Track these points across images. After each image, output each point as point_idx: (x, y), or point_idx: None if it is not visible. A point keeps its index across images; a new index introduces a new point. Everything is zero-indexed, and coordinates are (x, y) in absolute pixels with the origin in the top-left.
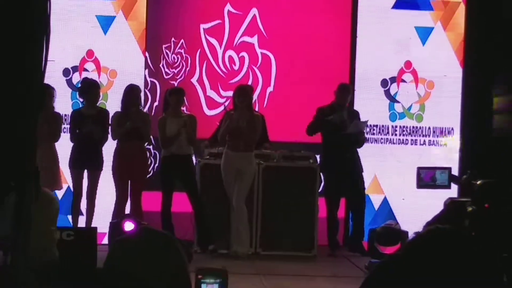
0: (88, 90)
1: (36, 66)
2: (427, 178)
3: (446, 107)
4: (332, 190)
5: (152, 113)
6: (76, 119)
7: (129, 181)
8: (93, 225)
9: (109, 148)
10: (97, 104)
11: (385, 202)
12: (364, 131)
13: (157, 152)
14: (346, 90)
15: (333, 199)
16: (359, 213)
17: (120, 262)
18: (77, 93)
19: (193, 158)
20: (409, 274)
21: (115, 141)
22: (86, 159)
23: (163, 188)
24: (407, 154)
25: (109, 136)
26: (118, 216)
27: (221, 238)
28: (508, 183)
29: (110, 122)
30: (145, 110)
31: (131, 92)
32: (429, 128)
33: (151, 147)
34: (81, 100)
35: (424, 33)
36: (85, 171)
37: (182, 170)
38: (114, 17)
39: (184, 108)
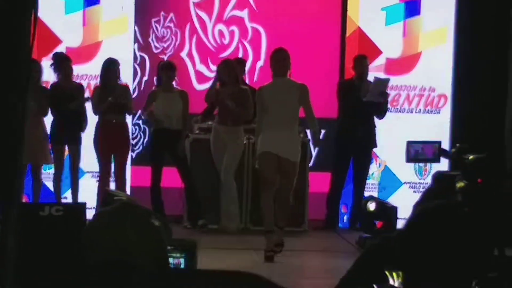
0: (63, 63)
1: (24, 41)
2: (429, 154)
3: (437, 77)
4: (340, 167)
5: (142, 88)
6: (57, 93)
7: (112, 156)
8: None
9: (91, 121)
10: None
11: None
12: (387, 91)
13: (146, 127)
14: (360, 61)
15: (340, 176)
16: (360, 188)
17: (97, 234)
18: (52, 67)
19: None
20: (411, 251)
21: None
22: (66, 135)
23: (153, 162)
24: (399, 126)
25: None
26: (103, 190)
27: (211, 213)
28: (500, 157)
29: (90, 96)
30: (135, 84)
31: (112, 66)
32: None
33: (140, 121)
34: (56, 73)
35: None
36: (66, 146)
37: (172, 144)
38: None
39: (174, 83)
